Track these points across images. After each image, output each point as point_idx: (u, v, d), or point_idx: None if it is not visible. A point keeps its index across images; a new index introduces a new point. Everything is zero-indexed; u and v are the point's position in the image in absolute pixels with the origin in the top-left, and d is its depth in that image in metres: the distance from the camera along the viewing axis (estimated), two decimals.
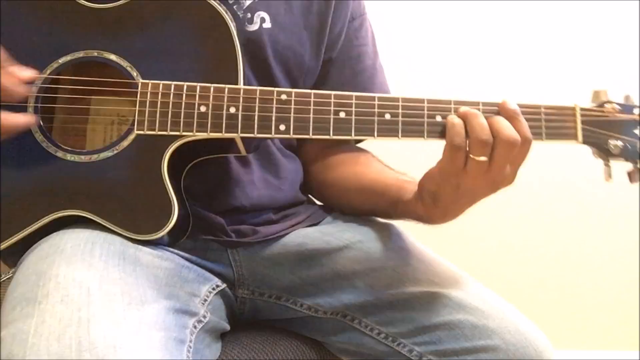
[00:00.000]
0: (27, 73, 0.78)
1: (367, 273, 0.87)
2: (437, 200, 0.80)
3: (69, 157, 0.78)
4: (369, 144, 1.01)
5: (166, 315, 0.69)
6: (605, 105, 0.84)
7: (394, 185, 0.90)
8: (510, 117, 0.77)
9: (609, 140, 0.83)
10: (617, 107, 0.84)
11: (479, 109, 0.79)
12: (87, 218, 0.77)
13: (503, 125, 0.76)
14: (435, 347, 0.80)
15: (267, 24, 0.91)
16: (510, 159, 0.76)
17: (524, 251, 1.83)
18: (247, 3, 0.91)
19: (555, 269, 1.84)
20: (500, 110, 0.78)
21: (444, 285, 0.85)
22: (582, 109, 0.83)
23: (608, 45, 1.76)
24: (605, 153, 0.84)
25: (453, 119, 0.77)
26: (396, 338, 0.83)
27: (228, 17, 0.81)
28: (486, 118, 0.77)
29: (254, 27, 0.90)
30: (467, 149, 0.76)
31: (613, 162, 0.84)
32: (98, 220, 0.76)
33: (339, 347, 0.88)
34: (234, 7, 0.90)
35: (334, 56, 0.99)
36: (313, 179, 1.02)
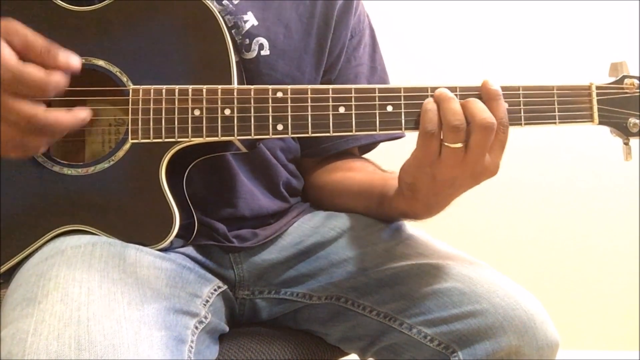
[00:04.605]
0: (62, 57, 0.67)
1: (359, 256, 0.86)
2: (416, 192, 0.77)
3: (66, 171, 0.77)
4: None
5: (166, 315, 0.68)
6: (625, 80, 0.79)
7: (378, 184, 0.88)
8: (491, 98, 0.73)
9: (629, 119, 0.78)
10: (637, 81, 0.78)
11: (456, 94, 0.74)
12: (89, 231, 0.76)
13: (478, 108, 0.71)
14: (424, 317, 0.79)
15: (266, 51, 0.88)
16: (488, 146, 0.72)
17: (523, 251, 1.81)
18: (247, 27, 0.88)
19: (555, 269, 1.82)
20: (482, 90, 0.74)
21: (433, 257, 0.83)
22: (598, 87, 0.78)
23: (611, 32, 1.71)
24: (624, 132, 0.79)
25: (427, 103, 0.73)
26: (388, 314, 0.82)
27: (217, 12, 0.77)
28: (461, 101, 0.72)
29: (251, 54, 0.88)
30: (441, 136, 0.72)
31: (633, 141, 0.79)
32: (100, 234, 0.76)
33: (337, 335, 0.87)
34: (233, 31, 0.87)
35: (333, 78, 0.96)
36: (309, 184, 1.00)
